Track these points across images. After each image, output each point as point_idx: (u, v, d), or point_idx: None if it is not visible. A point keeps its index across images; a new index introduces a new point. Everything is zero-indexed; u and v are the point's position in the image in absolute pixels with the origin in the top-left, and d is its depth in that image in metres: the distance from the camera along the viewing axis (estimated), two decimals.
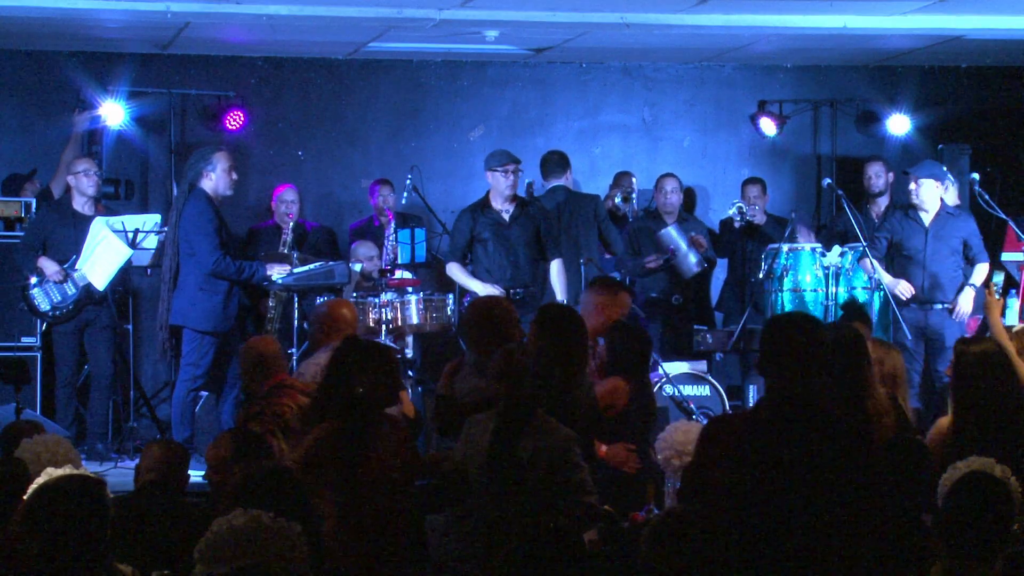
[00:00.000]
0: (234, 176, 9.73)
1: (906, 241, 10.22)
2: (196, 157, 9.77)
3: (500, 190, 10.00)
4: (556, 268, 10.05)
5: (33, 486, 4.74)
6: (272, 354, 7.48)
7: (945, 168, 10.55)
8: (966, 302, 10.07)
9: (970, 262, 10.21)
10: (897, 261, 10.27)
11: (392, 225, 11.14)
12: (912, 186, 10.21)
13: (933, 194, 10.18)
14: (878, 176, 11.54)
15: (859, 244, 10.37)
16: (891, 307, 10.29)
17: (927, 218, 10.19)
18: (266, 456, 6.16)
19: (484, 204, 10.05)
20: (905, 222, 10.25)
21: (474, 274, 9.97)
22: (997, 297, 8.83)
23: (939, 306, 10.12)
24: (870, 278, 10.41)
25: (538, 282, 10.05)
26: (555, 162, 10.87)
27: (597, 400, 6.94)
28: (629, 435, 7.16)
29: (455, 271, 10.07)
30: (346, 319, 8.21)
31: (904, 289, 10.11)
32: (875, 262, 10.20)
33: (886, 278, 10.18)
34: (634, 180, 11.78)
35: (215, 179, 9.60)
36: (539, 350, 6.45)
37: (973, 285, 10.05)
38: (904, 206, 10.38)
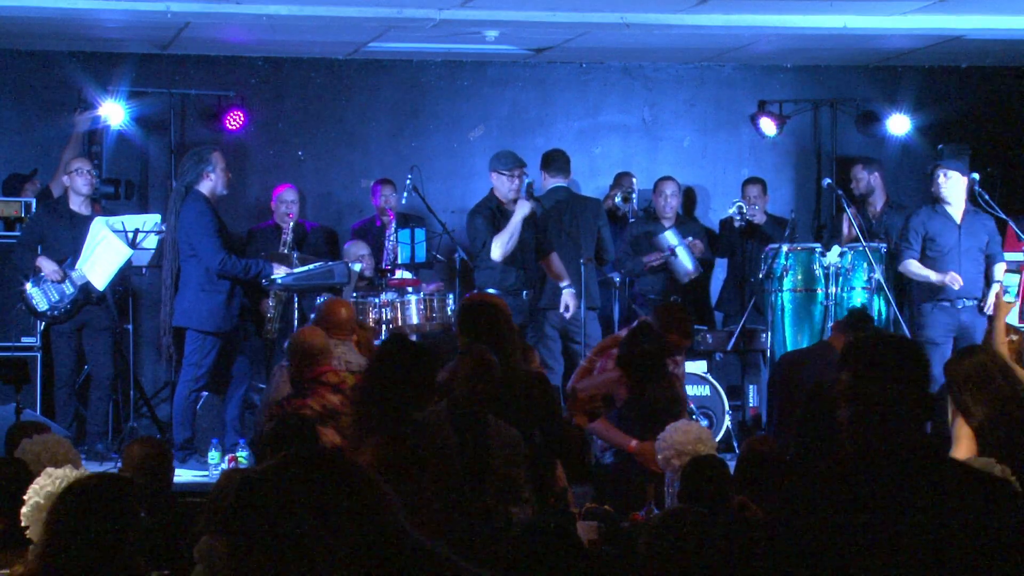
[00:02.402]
0: (229, 175, 9.84)
1: (938, 237, 10.17)
2: (193, 159, 9.78)
3: (504, 193, 10.01)
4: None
5: (36, 484, 4.73)
6: (316, 346, 7.37)
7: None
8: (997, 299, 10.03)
9: (991, 259, 10.18)
10: (928, 257, 10.22)
11: (393, 225, 11.14)
12: (941, 179, 10.18)
13: (960, 188, 10.17)
14: (858, 179, 11.54)
15: (859, 244, 10.37)
16: (892, 308, 10.30)
17: (956, 214, 10.18)
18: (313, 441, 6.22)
19: (498, 205, 10.05)
20: (935, 218, 10.22)
21: (483, 276, 9.98)
22: (1009, 300, 8.81)
23: (971, 302, 10.10)
24: (869, 278, 10.40)
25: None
26: (563, 160, 10.83)
27: (548, 390, 7.05)
28: (647, 431, 7.21)
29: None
30: (340, 318, 8.08)
31: (955, 278, 10.00)
32: (917, 263, 10.17)
33: (933, 275, 10.09)
34: (634, 180, 11.78)
35: (214, 179, 9.65)
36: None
37: (1000, 282, 10.05)
38: (931, 201, 10.36)
